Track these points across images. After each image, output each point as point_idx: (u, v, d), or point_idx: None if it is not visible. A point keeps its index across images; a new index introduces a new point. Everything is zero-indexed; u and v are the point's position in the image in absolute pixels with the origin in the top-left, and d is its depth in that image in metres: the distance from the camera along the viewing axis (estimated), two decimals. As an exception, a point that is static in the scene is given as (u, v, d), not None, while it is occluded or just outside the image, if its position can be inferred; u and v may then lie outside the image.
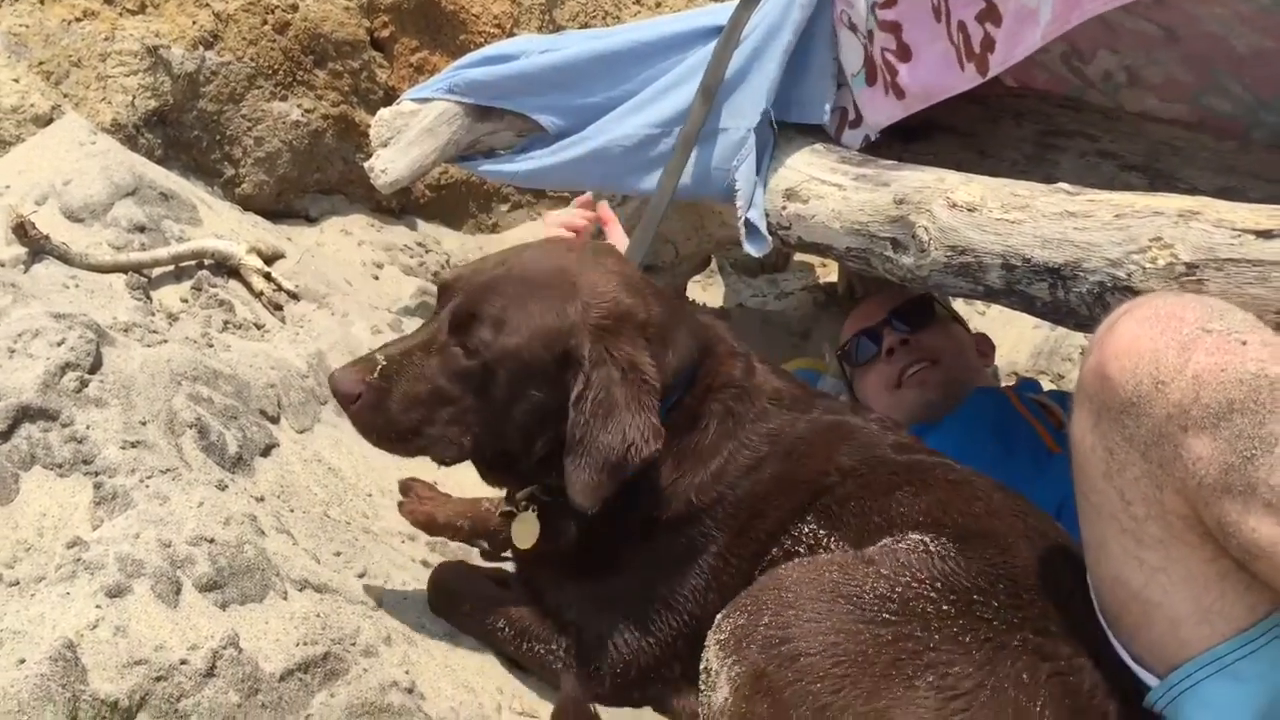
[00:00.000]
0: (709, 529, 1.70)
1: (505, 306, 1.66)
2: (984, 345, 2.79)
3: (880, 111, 2.27)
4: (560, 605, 1.76)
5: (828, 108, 2.36)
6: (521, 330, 1.64)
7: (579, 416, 1.62)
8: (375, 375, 1.65)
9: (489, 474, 1.82)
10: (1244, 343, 1.14)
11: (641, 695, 1.73)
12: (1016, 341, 3.62)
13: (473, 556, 2.09)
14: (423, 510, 2.18)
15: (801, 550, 1.61)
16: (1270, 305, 1.31)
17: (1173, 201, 1.50)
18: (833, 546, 1.59)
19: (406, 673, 1.58)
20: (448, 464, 1.77)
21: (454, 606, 1.83)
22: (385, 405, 1.65)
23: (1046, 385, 3.06)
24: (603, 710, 1.68)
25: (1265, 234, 1.34)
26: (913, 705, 1.29)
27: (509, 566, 1.96)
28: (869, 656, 1.33)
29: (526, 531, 1.78)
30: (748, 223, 2.34)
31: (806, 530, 1.63)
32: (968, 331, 2.75)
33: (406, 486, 2.25)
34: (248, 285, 2.50)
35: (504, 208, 3.84)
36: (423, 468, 2.17)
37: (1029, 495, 1.79)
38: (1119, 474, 1.23)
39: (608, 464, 1.61)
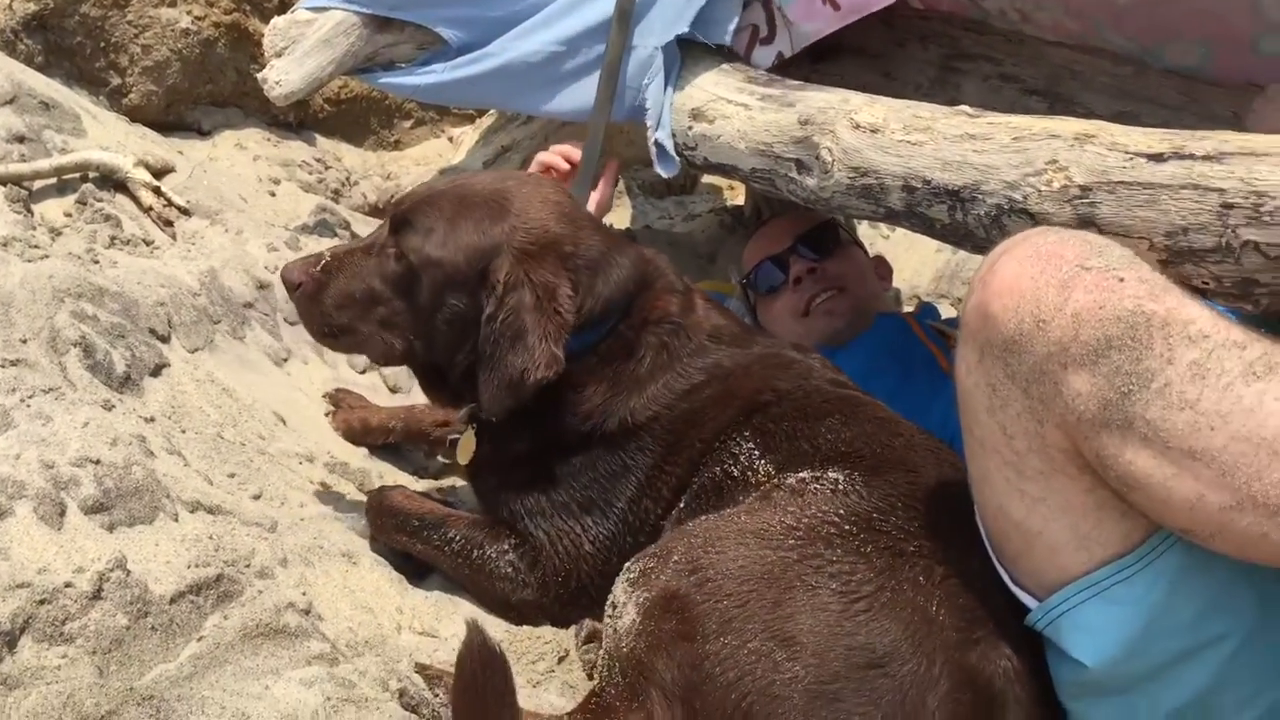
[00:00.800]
0: (645, 443, 1.76)
1: (438, 218, 1.77)
2: (882, 269, 2.82)
3: (815, 19, 2.23)
4: (509, 516, 1.82)
5: (731, 28, 2.32)
6: (448, 241, 1.75)
7: (489, 333, 1.72)
8: (318, 268, 1.82)
9: (429, 388, 1.94)
10: (1121, 280, 1.16)
11: (585, 610, 1.75)
12: (919, 265, 3.67)
13: (371, 481, 2.07)
14: (356, 417, 2.19)
15: (735, 472, 1.67)
16: (1160, 228, 1.33)
17: (1069, 125, 1.51)
18: (761, 472, 1.64)
19: (303, 594, 1.56)
20: (381, 364, 1.96)
21: (400, 523, 1.86)
22: (321, 298, 1.81)
23: (947, 308, 3.12)
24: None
25: (1157, 157, 1.36)
26: (817, 610, 1.33)
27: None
28: (775, 575, 1.37)
29: (465, 447, 1.89)
30: (657, 144, 2.32)
31: (744, 449, 1.68)
32: (865, 254, 2.77)
33: (336, 398, 2.23)
34: (136, 200, 2.41)
35: (407, 124, 3.74)
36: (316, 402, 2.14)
37: (925, 416, 1.85)
38: (1001, 409, 1.25)
39: (507, 382, 1.71)
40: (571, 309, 1.72)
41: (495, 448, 1.86)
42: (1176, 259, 1.33)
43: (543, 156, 2.41)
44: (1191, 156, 1.32)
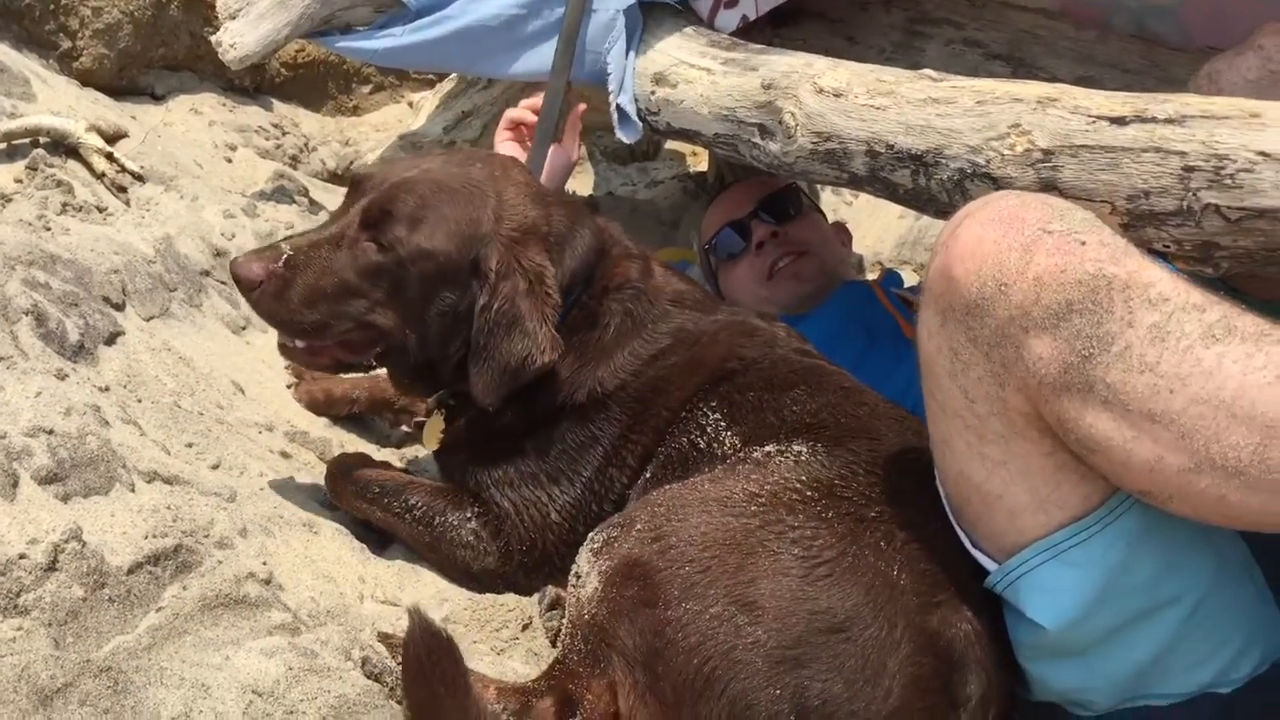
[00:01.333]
0: (613, 412, 1.76)
1: (421, 206, 1.70)
2: (842, 234, 2.82)
3: None
4: (474, 485, 1.80)
5: None
6: (437, 231, 1.69)
7: (484, 323, 1.70)
8: (279, 264, 1.68)
9: (408, 381, 1.88)
10: (1083, 243, 1.17)
11: (548, 578, 1.75)
12: (882, 231, 3.67)
13: (331, 450, 2.05)
14: (319, 387, 2.17)
15: (701, 443, 1.67)
16: (1121, 191, 1.34)
17: (1032, 89, 1.51)
18: (727, 444, 1.64)
19: (264, 564, 1.54)
20: (352, 367, 1.83)
21: (360, 490, 1.84)
22: (288, 295, 1.69)
23: (909, 274, 3.12)
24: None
25: (1119, 120, 1.36)
26: (779, 575, 1.34)
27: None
28: (737, 541, 1.38)
29: (433, 431, 1.88)
30: (619, 108, 2.30)
31: (710, 419, 1.69)
32: (826, 220, 2.77)
33: (299, 371, 2.20)
34: (88, 165, 2.36)
35: (365, 89, 3.69)
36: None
37: (889, 382, 1.86)
38: (963, 373, 1.26)
39: (508, 369, 1.70)
40: (557, 289, 1.73)
41: (465, 428, 1.85)
42: (1138, 222, 1.34)
43: (511, 113, 2.37)
44: (1153, 120, 1.33)
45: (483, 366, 1.71)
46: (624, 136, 2.31)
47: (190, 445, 1.77)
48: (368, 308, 1.73)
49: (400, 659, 1.46)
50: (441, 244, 1.69)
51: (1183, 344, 1.10)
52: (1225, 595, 1.28)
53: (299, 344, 1.79)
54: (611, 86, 2.30)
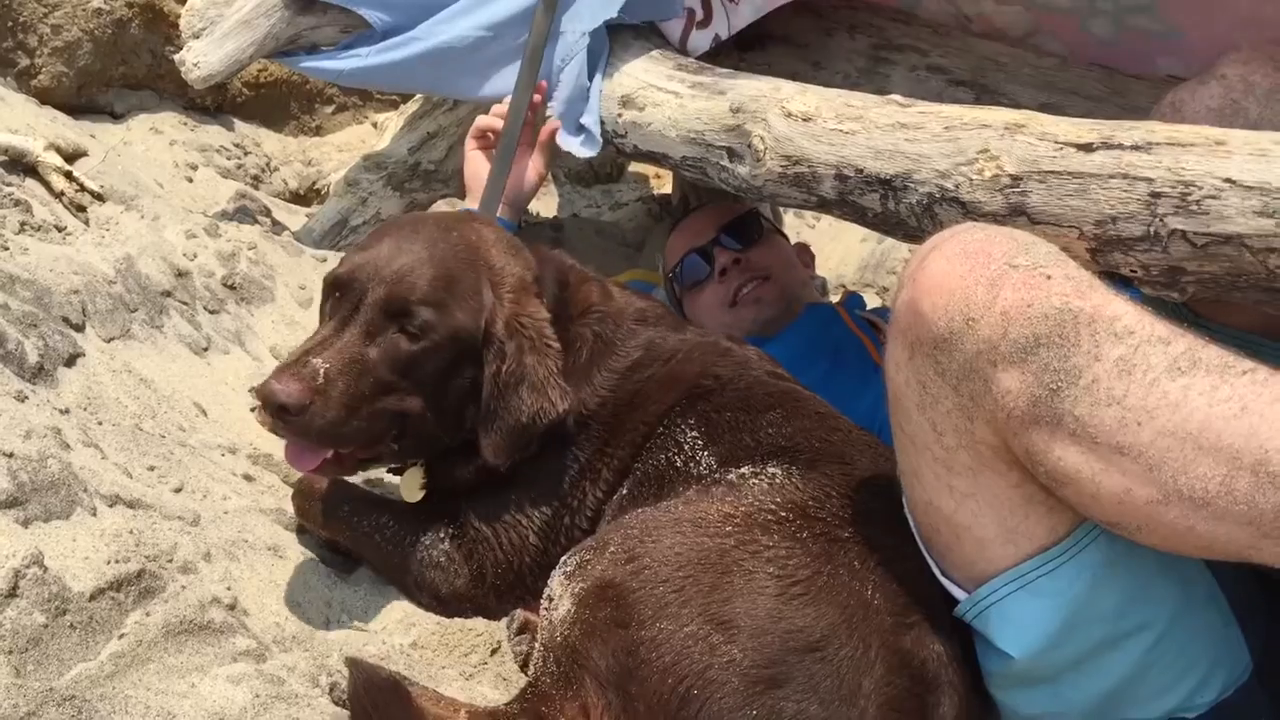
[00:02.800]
0: (592, 430, 1.76)
1: (436, 289, 1.67)
2: (805, 255, 2.84)
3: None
4: (451, 509, 1.79)
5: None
6: (459, 310, 1.68)
7: (494, 387, 1.69)
8: (319, 380, 1.58)
9: (413, 453, 1.81)
10: (1049, 277, 1.18)
11: (518, 601, 1.74)
12: (844, 254, 3.70)
13: (295, 473, 2.02)
14: None
15: (678, 462, 1.67)
16: (1089, 216, 1.35)
17: (999, 115, 1.53)
18: (704, 464, 1.65)
19: (228, 589, 1.52)
20: (373, 462, 1.78)
21: (328, 509, 1.81)
22: (330, 409, 1.58)
23: (872, 297, 3.15)
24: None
25: (1085, 147, 1.38)
26: (754, 595, 1.34)
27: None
28: (711, 561, 1.38)
29: (414, 484, 1.84)
30: (581, 127, 2.30)
31: (688, 438, 1.69)
32: (789, 242, 2.79)
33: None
34: (46, 184, 2.31)
35: (328, 109, 3.67)
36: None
37: (855, 404, 1.87)
38: (931, 406, 1.26)
39: (519, 426, 1.69)
40: (556, 340, 1.74)
41: (446, 473, 1.83)
42: (1105, 248, 1.35)
43: (481, 121, 2.32)
44: (1120, 146, 1.35)
45: (494, 428, 1.70)
46: (580, 152, 2.31)
47: (152, 468, 1.74)
48: (399, 399, 1.67)
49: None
50: (464, 320, 1.68)
51: (1149, 377, 1.11)
52: (1191, 622, 1.29)
53: (328, 455, 1.69)
54: (553, 104, 2.30)
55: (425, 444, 1.77)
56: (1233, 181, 1.23)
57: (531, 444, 1.72)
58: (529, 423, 1.69)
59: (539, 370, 1.70)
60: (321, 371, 1.58)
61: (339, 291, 1.69)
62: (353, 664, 1.35)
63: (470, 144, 2.33)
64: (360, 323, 1.64)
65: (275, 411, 1.57)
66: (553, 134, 2.32)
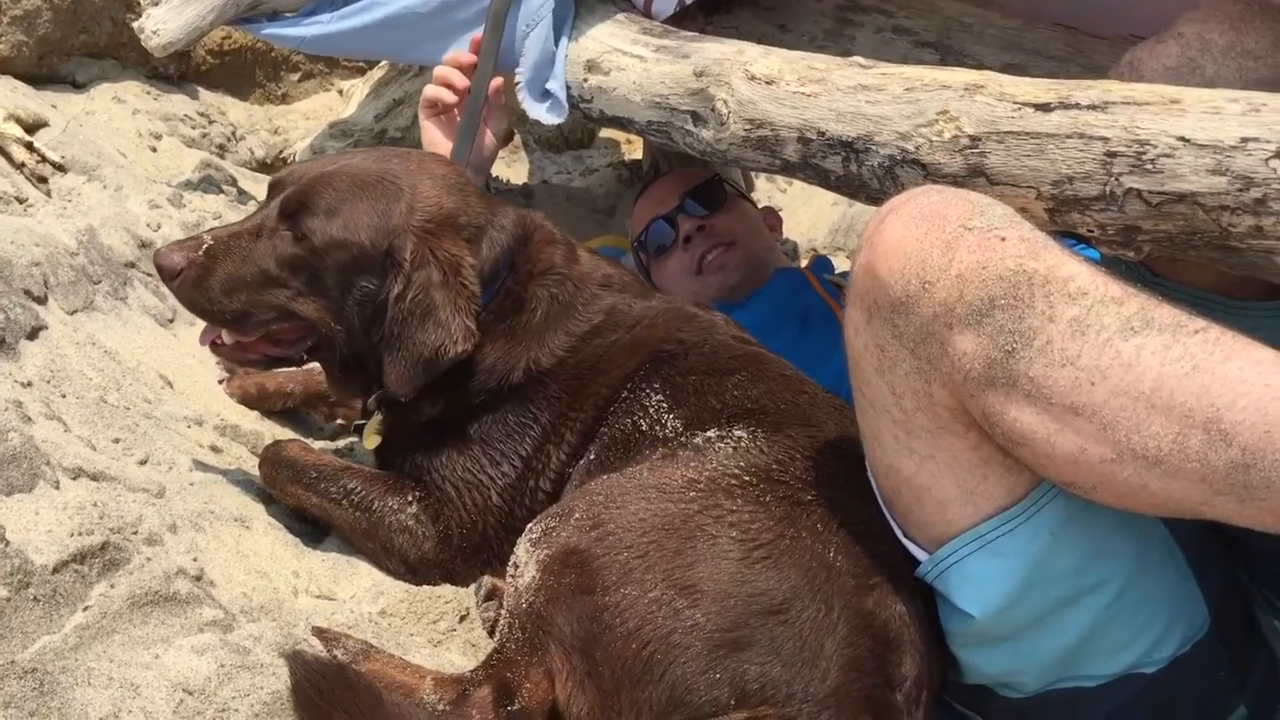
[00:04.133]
0: (552, 390, 1.77)
1: (336, 199, 1.74)
2: (772, 219, 2.84)
3: None
4: (414, 471, 1.81)
5: None
6: (350, 222, 1.73)
7: (397, 312, 1.72)
8: (200, 253, 1.73)
9: (339, 378, 1.90)
10: (1004, 239, 1.18)
11: (485, 566, 1.74)
12: (815, 219, 3.70)
13: (263, 444, 2.02)
14: (252, 382, 2.15)
15: (644, 425, 1.68)
16: (1047, 177, 1.36)
17: (959, 75, 1.52)
18: (669, 427, 1.65)
19: (194, 560, 1.52)
20: (281, 361, 1.87)
21: (296, 475, 1.83)
22: (208, 283, 1.74)
23: (842, 261, 3.15)
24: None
25: (1043, 107, 1.38)
26: (717, 559, 1.35)
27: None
28: (675, 526, 1.39)
29: (372, 433, 1.87)
30: (547, 92, 2.28)
31: (653, 401, 1.70)
32: (754, 207, 2.79)
33: (231, 366, 2.16)
34: (7, 155, 2.29)
35: (294, 77, 3.63)
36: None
37: (824, 370, 1.87)
38: (890, 370, 1.27)
39: (420, 359, 1.72)
40: (476, 280, 1.75)
41: (402, 424, 1.84)
42: (1063, 208, 1.36)
43: (428, 91, 2.28)
44: (1077, 106, 1.35)
45: (396, 356, 1.73)
46: (544, 119, 2.29)
47: (117, 441, 1.73)
48: (289, 297, 1.76)
49: (336, 653, 1.44)
50: (354, 234, 1.73)
51: (1102, 337, 1.12)
52: (1148, 579, 1.31)
53: (227, 339, 1.81)
54: (520, 70, 2.27)
55: (342, 362, 1.83)
56: (1186, 140, 1.23)
57: (434, 378, 1.73)
58: (431, 356, 1.71)
59: (447, 306, 1.71)
60: (204, 248, 1.74)
61: (270, 189, 1.84)
62: (290, 658, 1.34)
63: (423, 114, 2.30)
64: (260, 216, 1.79)
65: (160, 274, 1.77)
66: (499, 91, 2.27)
